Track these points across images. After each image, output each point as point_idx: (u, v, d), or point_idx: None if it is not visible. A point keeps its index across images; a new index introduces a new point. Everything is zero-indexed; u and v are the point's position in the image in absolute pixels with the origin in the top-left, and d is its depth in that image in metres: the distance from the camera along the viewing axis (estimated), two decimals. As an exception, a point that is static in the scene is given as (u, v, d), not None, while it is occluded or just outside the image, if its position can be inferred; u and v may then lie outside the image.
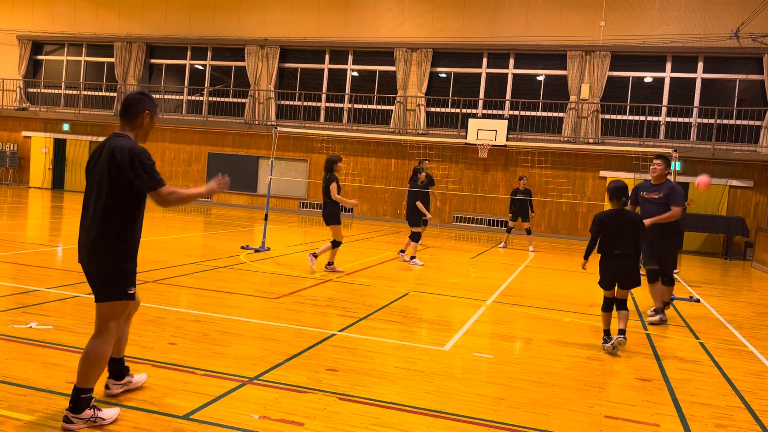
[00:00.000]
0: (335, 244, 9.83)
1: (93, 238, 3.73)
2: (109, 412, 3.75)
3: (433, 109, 22.14)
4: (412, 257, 11.52)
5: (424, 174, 11.74)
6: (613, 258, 6.36)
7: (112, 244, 3.74)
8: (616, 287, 6.45)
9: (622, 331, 6.24)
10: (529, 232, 15.75)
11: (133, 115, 3.89)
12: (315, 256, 9.93)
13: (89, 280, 3.83)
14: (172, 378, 4.55)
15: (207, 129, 23.95)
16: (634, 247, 6.34)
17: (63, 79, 26.52)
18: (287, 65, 23.90)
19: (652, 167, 7.82)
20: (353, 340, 5.98)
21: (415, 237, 11.54)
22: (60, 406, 3.88)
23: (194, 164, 24.27)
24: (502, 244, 16.17)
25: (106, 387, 4.12)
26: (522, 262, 13.15)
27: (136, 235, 3.87)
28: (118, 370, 4.15)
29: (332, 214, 9.76)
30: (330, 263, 9.93)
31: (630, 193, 7.28)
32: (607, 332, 6.43)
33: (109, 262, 3.75)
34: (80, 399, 3.65)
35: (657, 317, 7.89)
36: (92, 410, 3.68)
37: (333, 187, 9.64)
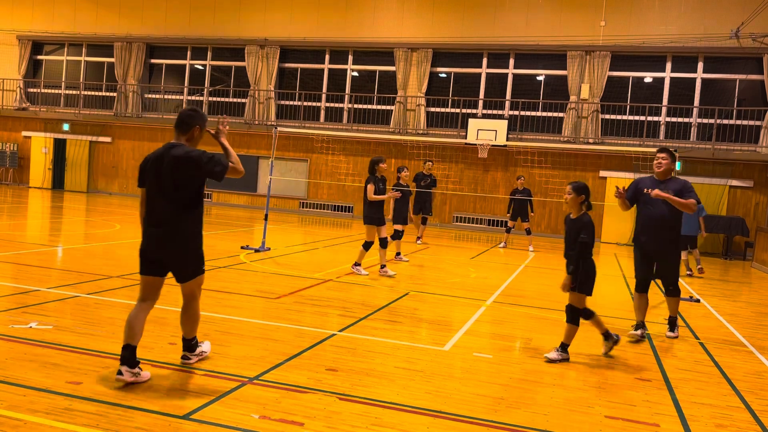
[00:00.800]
0: (365, 245, 9.88)
1: (169, 232, 4.50)
2: (206, 345, 5.08)
3: (433, 109, 22.13)
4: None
5: (405, 173, 11.91)
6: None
7: (188, 235, 4.56)
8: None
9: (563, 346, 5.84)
10: (528, 232, 15.77)
11: (187, 127, 4.83)
12: (358, 264, 10.05)
13: (165, 266, 4.58)
14: (172, 378, 4.54)
15: (207, 129, 23.91)
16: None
17: (63, 79, 26.52)
18: (287, 65, 23.90)
19: (656, 162, 6.99)
20: (353, 340, 5.98)
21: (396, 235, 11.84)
22: (60, 405, 3.88)
23: (194, 164, 24.25)
24: (502, 244, 16.19)
25: (184, 358, 4.92)
26: (522, 262, 13.14)
27: (201, 226, 4.69)
28: (189, 345, 4.96)
29: (367, 214, 9.90)
30: (357, 264, 10.03)
31: (627, 189, 6.96)
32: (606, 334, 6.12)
33: (189, 250, 4.59)
34: (192, 344, 4.93)
35: (639, 332, 6.97)
36: (198, 347, 4.95)
37: (369, 188, 9.78)
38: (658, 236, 6.91)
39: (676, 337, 7.12)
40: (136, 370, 4.38)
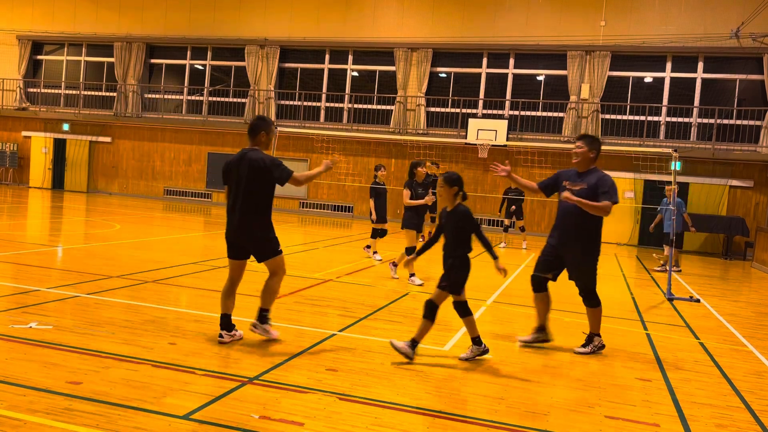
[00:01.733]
0: (407, 250, 9.54)
1: (247, 222, 5.52)
2: (274, 332, 5.73)
3: (433, 109, 22.13)
4: (373, 251, 12.04)
5: (382, 171, 12.02)
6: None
7: (261, 224, 5.56)
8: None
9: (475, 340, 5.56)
10: (522, 229, 15.93)
11: (254, 133, 5.65)
12: (395, 265, 9.92)
13: (246, 250, 5.64)
14: (172, 378, 4.54)
15: (207, 129, 23.95)
16: (462, 247, 5.57)
17: (63, 79, 26.52)
18: (287, 65, 23.90)
19: (573, 151, 6.20)
20: (353, 340, 5.98)
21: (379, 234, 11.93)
22: (60, 405, 3.88)
23: (194, 164, 24.27)
24: (502, 245, 16.30)
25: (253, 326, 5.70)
26: (522, 262, 13.14)
27: (270, 216, 5.68)
28: (261, 316, 5.73)
29: (405, 218, 9.76)
30: (412, 274, 9.55)
31: (549, 180, 6.36)
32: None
33: (263, 235, 5.59)
34: (264, 315, 5.68)
35: (529, 337, 6.29)
36: (266, 324, 5.70)
37: (404, 193, 9.69)
38: (571, 234, 6.11)
39: (587, 353, 6.12)
40: (233, 332, 5.60)
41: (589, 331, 6.26)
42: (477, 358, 5.59)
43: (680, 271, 13.59)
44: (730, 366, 6.08)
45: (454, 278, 5.52)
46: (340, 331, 6.29)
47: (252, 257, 5.70)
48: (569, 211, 6.07)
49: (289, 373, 4.84)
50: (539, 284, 6.29)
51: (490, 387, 4.91)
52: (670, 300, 9.72)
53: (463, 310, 5.56)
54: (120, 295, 7.14)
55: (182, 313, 6.65)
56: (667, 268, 13.00)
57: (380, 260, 11.69)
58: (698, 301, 9.86)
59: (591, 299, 6.15)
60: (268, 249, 5.66)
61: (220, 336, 5.53)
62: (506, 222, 16.12)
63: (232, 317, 5.63)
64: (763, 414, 4.75)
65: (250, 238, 5.58)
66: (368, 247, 12.14)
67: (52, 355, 4.84)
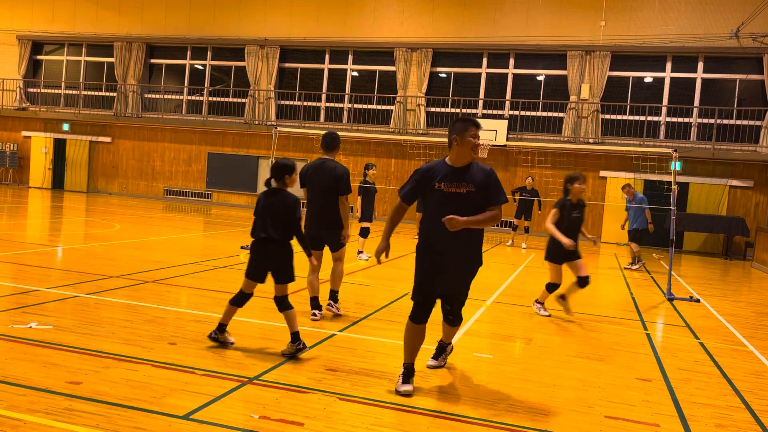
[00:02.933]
0: (549, 287, 7.84)
1: (325, 217, 6.70)
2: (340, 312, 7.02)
3: (433, 109, 22.13)
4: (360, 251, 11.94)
5: (372, 171, 12.06)
6: (258, 242, 5.48)
7: (336, 218, 6.68)
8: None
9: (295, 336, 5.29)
10: (527, 230, 15.98)
11: (335, 147, 6.89)
12: (540, 303, 8.05)
13: (323, 242, 6.84)
14: (172, 378, 4.54)
15: (207, 129, 23.95)
16: (282, 232, 5.33)
17: (63, 79, 26.51)
18: (287, 65, 23.90)
19: (475, 143, 5.04)
20: (353, 340, 5.98)
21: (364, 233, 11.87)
22: (60, 405, 3.88)
23: (194, 164, 24.27)
24: (509, 243, 16.57)
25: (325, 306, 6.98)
26: (522, 262, 13.14)
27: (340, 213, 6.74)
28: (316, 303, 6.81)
29: (549, 247, 7.81)
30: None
31: (409, 185, 4.81)
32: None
33: (337, 230, 6.73)
34: (335, 295, 7.06)
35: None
36: (338, 303, 7.08)
37: (551, 213, 7.87)
38: (458, 244, 4.72)
39: (439, 366, 5.32)
40: (323, 311, 6.81)
41: (448, 341, 5.34)
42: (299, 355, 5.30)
43: (642, 266, 13.81)
44: (730, 366, 6.08)
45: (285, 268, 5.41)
46: (340, 331, 6.29)
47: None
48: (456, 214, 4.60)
49: (289, 373, 4.84)
50: (426, 311, 4.78)
51: (490, 387, 4.91)
52: (670, 300, 9.72)
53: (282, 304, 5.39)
54: (120, 295, 7.14)
55: (182, 313, 6.64)
56: (631, 265, 13.65)
57: (367, 259, 11.66)
58: (698, 301, 9.86)
59: (459, 318, 5.10)
60: (338, 241, 6.86)
61: (313, 314, 6.67)
62: (515, 222, 16.18)
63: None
64: (763, 414, 4.75)
65: (328, 231, 6.81)
66: (361, 252, 11.94)
67: (52, 355, 4.84)
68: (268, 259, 5.40)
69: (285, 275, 5.39)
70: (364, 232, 11.85)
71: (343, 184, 6.62)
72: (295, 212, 5.37)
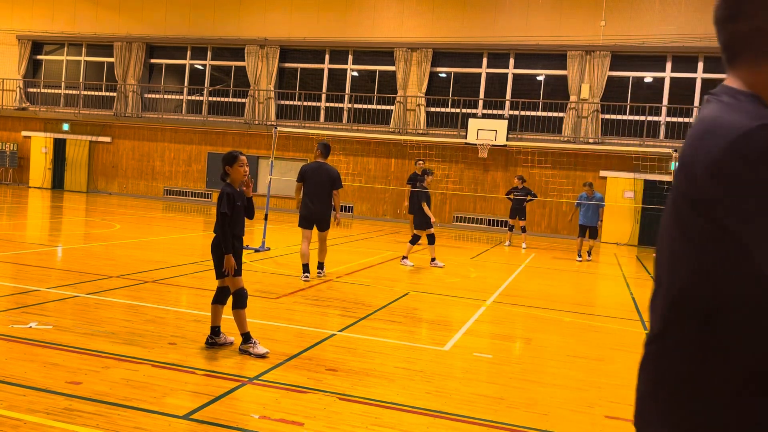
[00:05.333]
0: None
1: (321, 206, 8.88)
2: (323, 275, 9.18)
3: (433, 109, 22.13)
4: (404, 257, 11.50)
5: (430, 178, 11.54)
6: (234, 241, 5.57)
7: (330, 208, 8.94)
8: None
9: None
10: (524, 230, 16.07)
11: (328, 153, 9.20)
12: None
13: (313, 223, 8.97)
14: (172, 378, 4.54)
15: (207, 129, 23.95)
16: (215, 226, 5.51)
17: (63, 79, 26.51)
18: (287, 65, 23.90)
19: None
20: (353, 340, 5.98)
21: (415, 239, 11.48)
22: (60, 405, 3.88)
23: (194, 164, 24.28)
24: (507, 243, 16.59)
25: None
26: (522, 262, 13.15)
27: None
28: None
29: None
30: None
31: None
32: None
33: (327, 215, 8.95)
34: (322, 266, 9.24)
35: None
36: (323, 270, 9.27)
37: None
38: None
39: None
40: (310, 275, 8.89)
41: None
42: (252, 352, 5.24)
43: (581, 261, 14.30)
44: (730, 366, 6.07)
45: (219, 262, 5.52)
46: (340, 331, 6.29)
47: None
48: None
49: (289, 373, 4.84)
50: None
51: (490, 387, 4.91)
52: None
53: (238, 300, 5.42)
54: (120, 295, 7.14)
55: (182, 313, 6.65)
56: (578, 259, 14.33)
57: (412, 266, 11.22)
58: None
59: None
60: (328, 224, 9.10)
61: (305, 276, 8.73)
62: (510, 222, 16.26)
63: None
64: (763, 414, 4.75)
65: (321, 217, 8.96)
66: (434, 259, 11.41)
67: (52, 355, 4.84)
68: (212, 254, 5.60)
69: (216, 271, 5.54)
70: (432, 239, 11.41)
71: (338, 182, 9.01)
72: (218, 205, 5.44)
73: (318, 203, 8.89)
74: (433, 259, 11.44)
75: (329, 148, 9.21)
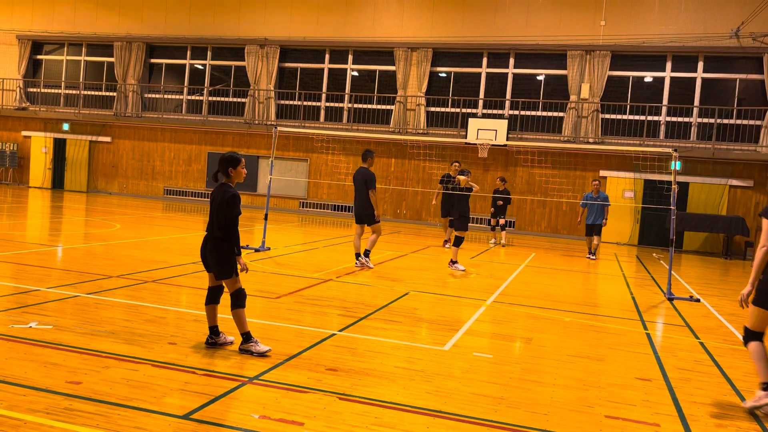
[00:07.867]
0: None
1: (362, 205, 10.46)
2: (371, 265, 10.54)
3: (433, 109, 22.13)
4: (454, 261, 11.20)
5: (464, 178, 11.19)
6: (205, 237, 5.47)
7: (369, 205, 10.41)
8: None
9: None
10: (502, 228, 16.47)
11: (367, 158, 10.69)
12: None
13: (363, 220, 10.57)
14: (172, 378, 4.54)
15: (207, 129, 23.95)
16: (219, 227, 5.27)
17: (63, 79, 26.51)
18: (287, 65, 23.90)
19: None
20: (353, 340, 5.98)
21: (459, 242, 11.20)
22: (60, 405, 3.88)
23: (194, 164, 24.27)
24: (492, 241, 16.86)
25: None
26: (522, 262, 13.15)
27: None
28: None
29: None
30: None
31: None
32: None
33: (369, 210, 10.38)
34: (368, 253, 10.64)
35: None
36: (366, 259, 10.57)
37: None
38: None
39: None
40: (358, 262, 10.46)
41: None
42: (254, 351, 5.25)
43: (595, 259, 14.75)
44: (730, 366, 6.08)
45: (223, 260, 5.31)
46: (340, 331, 6.29)
47: None
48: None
49: (289, 373, 4.84)
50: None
51: (491, 387, 4.91)
52: (670, 300, 9.72)
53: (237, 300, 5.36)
54: (120, 295, 7.14)
55: (182, 313, 6.65)
56: (590, 257, 14.71)
57: (463, 270, 10.97)
58: (698, 300, 9.86)
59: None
60: (370, 218, 10.49)
61: (359, 263, 10.48)
62: (492, 222, 16.54)
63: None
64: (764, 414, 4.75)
65: (363, 213, 10.51)
66: (454, 262, 11.10)
67: (52, 355, 4.84)
68: (207, 255, 5.40)
69: (219, 272, 5.30)
70: (458, 241, 11.10)
71: (370, 183, 10.32)
72: (232, 207, 5.20)
73: (358, 202, 10.49)
74: (454, 262, 11.09)
75: (368, 153, 10.58)
